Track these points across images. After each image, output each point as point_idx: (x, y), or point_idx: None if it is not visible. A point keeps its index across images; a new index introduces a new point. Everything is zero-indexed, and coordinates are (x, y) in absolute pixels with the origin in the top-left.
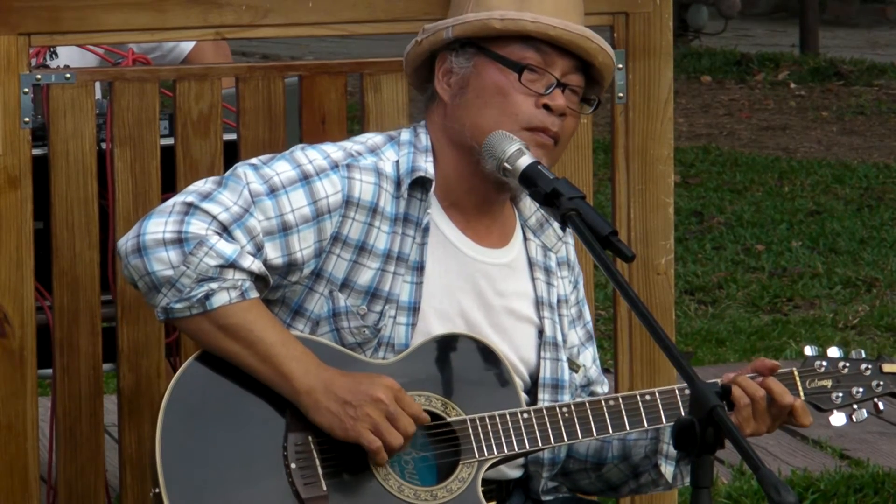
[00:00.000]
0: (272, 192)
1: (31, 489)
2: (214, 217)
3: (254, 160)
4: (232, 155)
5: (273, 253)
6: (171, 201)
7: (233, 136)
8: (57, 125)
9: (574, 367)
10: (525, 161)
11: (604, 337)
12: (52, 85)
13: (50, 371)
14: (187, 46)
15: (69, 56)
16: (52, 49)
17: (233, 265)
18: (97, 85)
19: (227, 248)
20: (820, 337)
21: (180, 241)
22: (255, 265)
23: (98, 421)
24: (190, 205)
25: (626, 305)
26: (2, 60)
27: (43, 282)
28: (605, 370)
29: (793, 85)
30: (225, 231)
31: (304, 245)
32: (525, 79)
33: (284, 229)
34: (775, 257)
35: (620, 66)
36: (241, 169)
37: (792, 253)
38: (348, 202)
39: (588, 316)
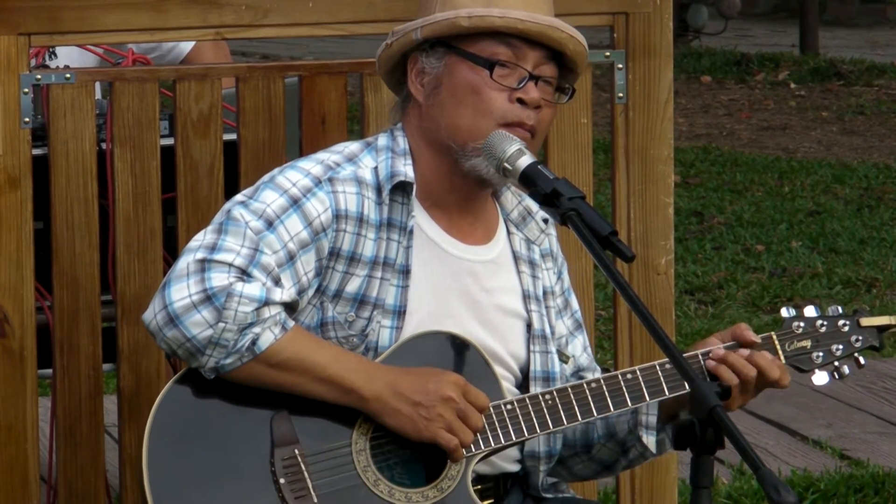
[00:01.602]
0: (270, 225)
1: (31, 489)
2: (231, 264)
3: (240, 197)
4: (232, 155)
5: (288, 283)
6: (182, 264)
7: (233, 136)
8: (57, 125)
9: (564, 358)
10: (525, 161)
11: (604, 337)
12: (52, 85)
13: (50, 371)
14: (186, 46)
15: (68, 56)
16: (51, 49)
17: (267, 303)
18: (97, 85)
19: (254, 290)
20: None
21: (209, 298)
22: (285, 294)
23: (98, 421)
24: (203, 261)
25: (626, 305)
26: (2, 60)
27: (43, 282)
28: (605, 370)
29: (793, 85)
30: (244, 274)
31: (307, 269)
32: (496, 75)
33: (290, 258)
34: (775, 257)
35: (620, 66)
36: (235, 211)
37: (792, 253)
38: (338, 216)
39: (576, 305)
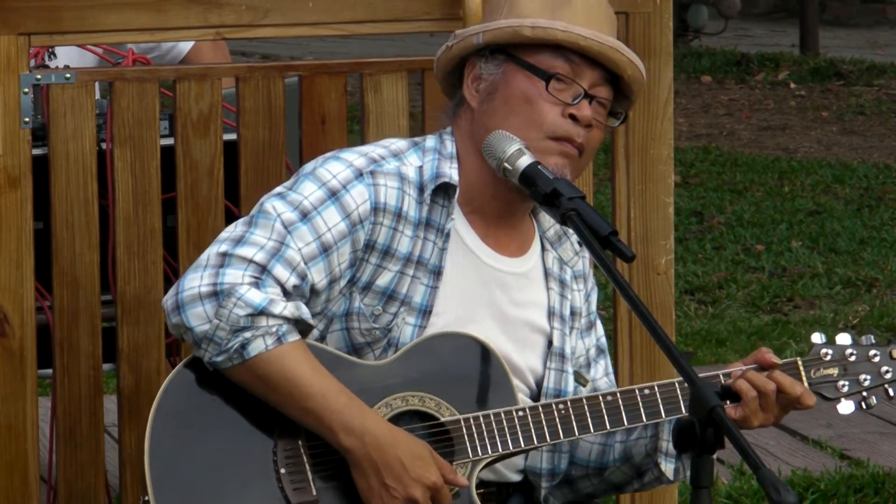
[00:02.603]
0: (305, 216)
1: (31, 489)
2: (250, 260)
3: (279, 189)
4: (232, 155)
5: (318, 276)
6: (205, 255)
7: (233, 136)
8: (57, 125)
9: (581, 380)
10: (525, 161)
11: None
12: (52, 85)
13: (50, 371)
14: (186, 46)
15: (68, 56)
16: (50, 49)
17: (263, 312)
18: (95, 85)
19: (256, 297)
20: None
21: (215, 293)
22: (288, 310)
23: (98, 421)
24: (224, 254)
25: (626, 305)
26: (2, 60)
27: (43, 282)
28: None
29: (793, 85)
30: (263, 271)
31: (341, 260)
32: (552, 88)
33: (325, 250)
34: (775, 257)
35: None
36: (269, 203)
37: (792, 253)
38: (376, 209)
39: (601, 331)
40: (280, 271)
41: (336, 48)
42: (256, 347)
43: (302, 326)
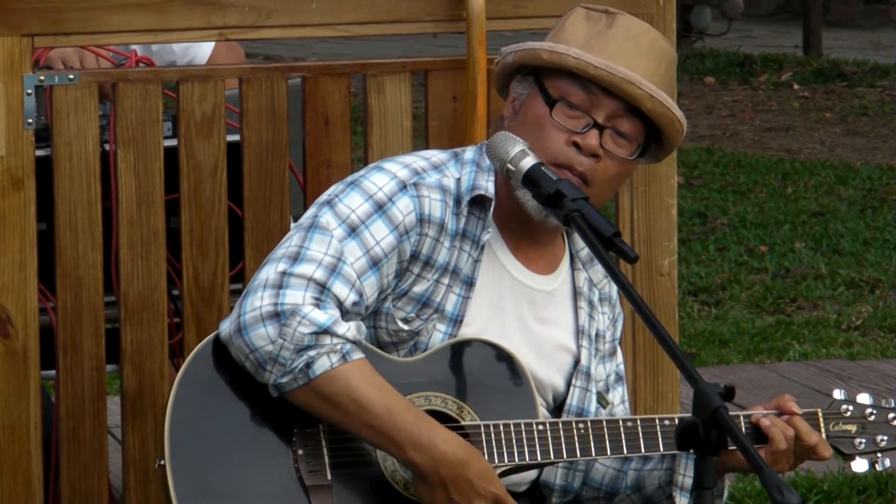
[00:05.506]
0: (353, 231)
1: (34, 490)
2: (310, 279)
3: (326, 197)
4: (235, 156)
5: (370, 290)
6: (264, 274)
7: (236, 138)
8: (60, 126)
9: (603, 402)
10: (528, 162)
11: None
12: (55, 86)
13: (53, 372)
14: (203, 52)
15: None
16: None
17: (327, 331)
18: None
19: (320, 316)
20: (823, 338)
21: (277, 314)
22: (351, 332)
23: (101, 422)
24: (283, 273)
25: (629, 307)
26: (5, 62)
27: (46, 283)
28: None
29: (796, 86)
30: (323, 291)
31: (389, 271)
32: (557, 113)
33: (375, 264)
34: (779, 258)
35: None
36: (323, 217)
37: (795, 254)
38: (421, 220)
39: (620, 358)
40: (339, 288)
41: (339, 49)
42: (322, 366)
43: (361, 347)
